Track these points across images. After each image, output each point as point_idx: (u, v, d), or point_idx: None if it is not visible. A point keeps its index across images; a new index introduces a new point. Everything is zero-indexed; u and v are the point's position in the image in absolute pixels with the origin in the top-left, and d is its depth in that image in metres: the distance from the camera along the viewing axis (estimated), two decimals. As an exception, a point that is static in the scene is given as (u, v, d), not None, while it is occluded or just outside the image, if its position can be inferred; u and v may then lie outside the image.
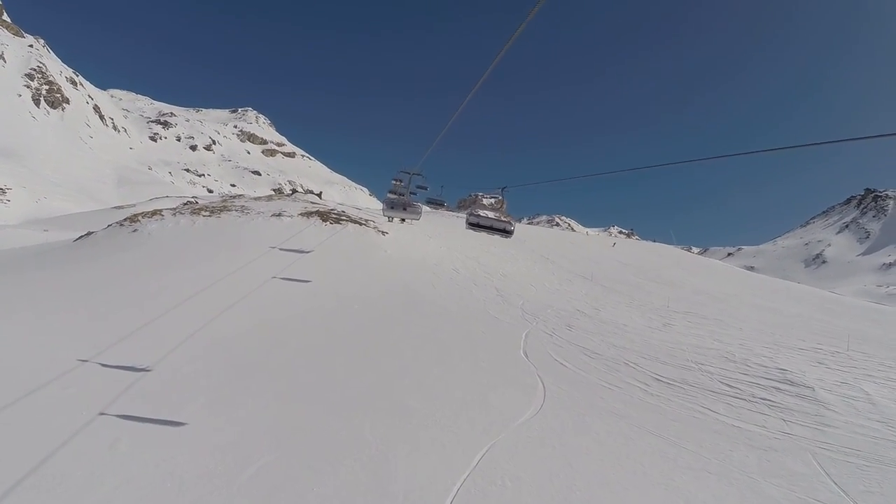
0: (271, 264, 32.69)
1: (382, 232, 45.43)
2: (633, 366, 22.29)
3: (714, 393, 19.82)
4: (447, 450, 13.56)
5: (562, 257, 53.69)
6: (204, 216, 42.99)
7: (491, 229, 23.28)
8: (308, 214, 46.12)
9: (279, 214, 44.92)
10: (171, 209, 46.17)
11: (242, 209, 46.20)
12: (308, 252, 36.79)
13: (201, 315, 23.02)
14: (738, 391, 20.06)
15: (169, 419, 13.89)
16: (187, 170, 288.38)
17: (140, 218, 42.30)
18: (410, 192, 30.94)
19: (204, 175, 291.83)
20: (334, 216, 47.20)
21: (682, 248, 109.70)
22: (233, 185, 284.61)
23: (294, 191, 69.28)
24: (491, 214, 24.37)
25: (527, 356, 22.50)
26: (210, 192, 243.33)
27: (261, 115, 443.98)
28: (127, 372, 16.64)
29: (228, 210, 45.26)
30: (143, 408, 14.30)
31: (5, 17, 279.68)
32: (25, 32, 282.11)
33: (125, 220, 42.99)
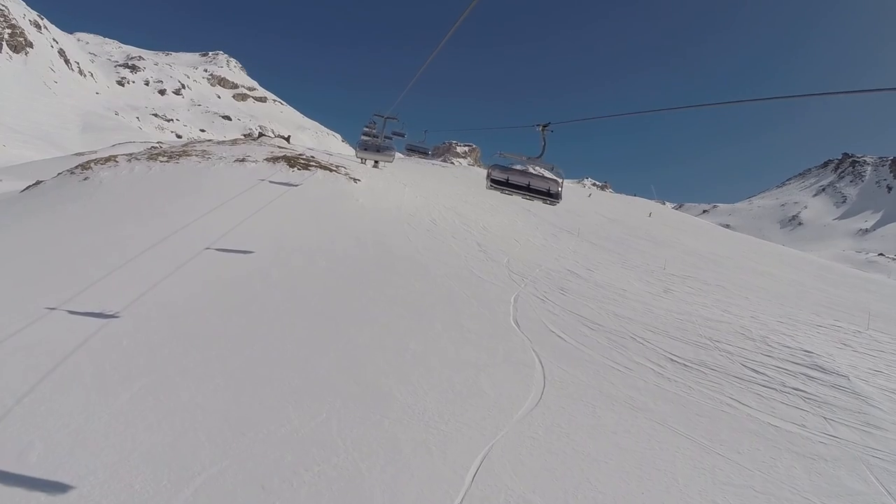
0: (232, 215, 29.75)
1: (354, 179, 42.38)
2: (641, 341, 19.45)
3: (739, 380, 17.05)
4: (434, 458, 10.98)
5: (545, 209, 50.69)
6: (161, 162, 39.65)
7: (528, 190, 15.10)
8: (274, 160, 42.84)
9: (243, 160, 41.61)
10: (126, 155, 42.67)
11: (203, 154, 42.76)
12: (273, 201, 33.71)
13: (148, 276, 20.56)
14: (766, 378, 17.33)
15: (92, 416, 11.39)
16: (155, 115, 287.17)
17: (92, 165, 39.10)
18: (385, 137, 30.99)
19: (173, 120, 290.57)
20: (303, 161, 44.04)
21: (658, 203, 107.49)
22: (202, 131, 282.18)
23: (261, 134, 65.59)
24: (530, 169, 15.75)
25: (518, 326, 19.64)
26: (179, 137, 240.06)
27: (232, 59, 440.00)
28: (52, 350, 14.13)
29: (188, 155, 41.82)
30: (64, 402, 11.88)
31: None
32: None
33: (76, 167, 39.99)
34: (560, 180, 16.16)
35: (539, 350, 17.35)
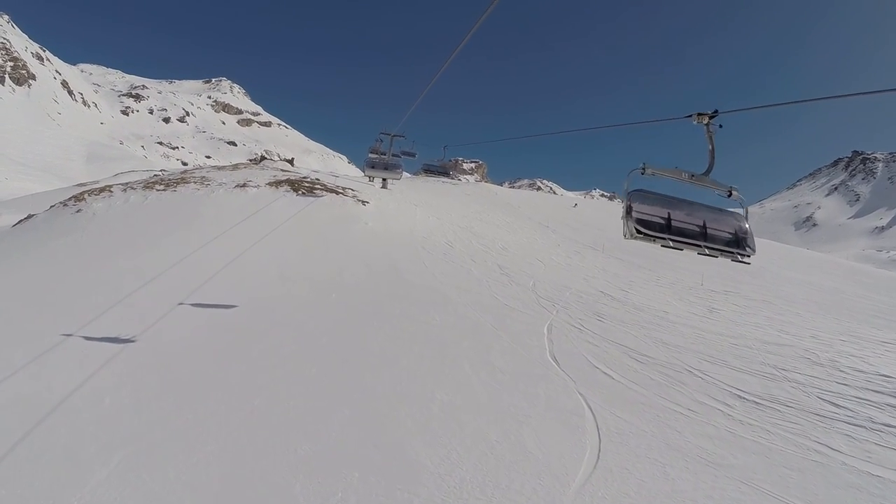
0: (232, 244, 28.04)
1: (363, 202, 39.91)
2: (700, 375, 16.92)
3: (820, 417, 14.43)
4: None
5: (562, 225, 48.78)
6: (158, 191, 37.60)
7: (705, 239, 9.98)
8: (277, 184, 40.66)
9: (244, 185, 39.40)
10: (121, 184, 40.52)
11: (202, 181, 40.57)
12: (277, 228, 31.69)
13: (140, 317, 19.07)
14: (850, 413, 14.67)
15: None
16: (160, 143, 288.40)
17: (86, 196, 37.11)
18: (394, 155, 30.81)
19: (178, 147, 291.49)
20: (307, 185, 41.78)
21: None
22: (208, 157, 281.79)
23: (263, 157, 63.47)
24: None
25: (557, 362, 17.14)
26: (185, 164, 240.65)
27: (235, 85, 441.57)
28: (23, 413, 12.47)
29: (186, 182, 39.72)
30: (26, 485, 9.87)
31: None
32: None
33: (69, 199, 37.90)
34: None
35: (586, 392, 14.91)
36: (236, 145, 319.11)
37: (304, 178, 45.61)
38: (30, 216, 39.24)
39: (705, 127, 9.62)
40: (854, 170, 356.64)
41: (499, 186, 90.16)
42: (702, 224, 10.07)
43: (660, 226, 9.84)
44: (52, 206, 38.21)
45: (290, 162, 62.60)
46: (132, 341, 16.97)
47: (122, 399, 13.24)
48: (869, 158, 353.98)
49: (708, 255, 10.11)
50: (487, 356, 17.18)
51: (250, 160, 59.92)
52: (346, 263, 27.44)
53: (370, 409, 13.18)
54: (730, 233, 10.31)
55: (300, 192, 39.00)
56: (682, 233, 9.92)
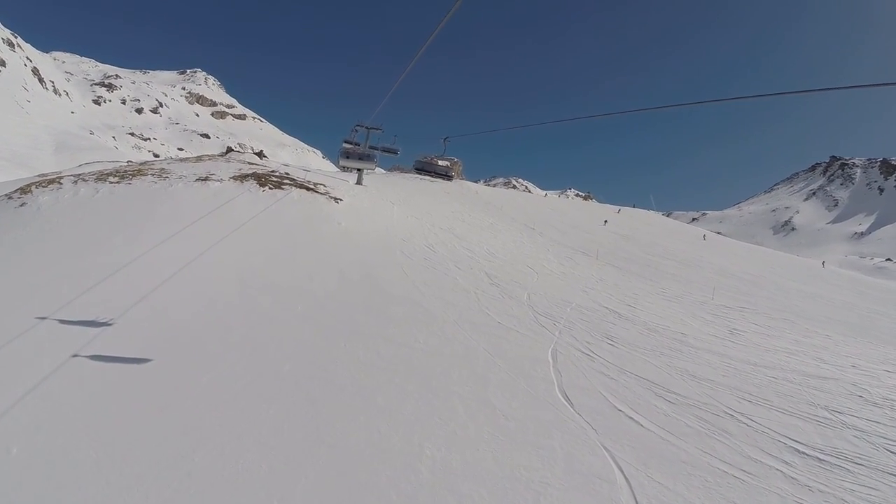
0: (187, 246, 24.84)
1: (335, 199, 36.57)
2: (743, 420, 14.07)
3: (898, 479, 11.60)
4: None
5: (548, 227, 46.13)
6: (111, 183, 34.05)
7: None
8: (242, 178, 37.25)
9: (206, 179, 35.99)
10: (73, 176, 37.01)
11: (161, 173, 37.15)
12: (239, 227, 28.54)
13: (68, 339, 15.80)
14: (934, 473, 11.86)
15: None
16: (132, 134, 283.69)
17: (33, 188, 33.47)
18: (371, 147, 32.47)
19: (150, 139, 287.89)
20: (275, 179, 38.32)
21: (656, 214, 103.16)
22: (180, 149, 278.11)
23: (229, 149, 59.88)
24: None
25: (570, 402, 14.19)
26: (156, 156, 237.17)
27: (210, 77, 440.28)
28: None
29: (143, 175, 36.25)
30: None
31: None
32: None
33: (15, 191, 34.19)
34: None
35: (612, 446, 11.93)
36: (209, 138, 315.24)
37: (272, 171, 42.41)
38: None
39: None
40: (832, 175, 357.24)
41: (479, 185, 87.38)
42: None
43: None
44: None
45: (259, 154, 59.23)
46: (57, 370, 13.99)
47: (28, 456, 10.48)
48: (847, 164, 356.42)
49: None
50: (484, 392, 14.23)
51: (222, 154, 56.44)
52: (316, 269, 24.49)
53: (341, 473, 10.33)
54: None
55: (267, 188, 35.75)
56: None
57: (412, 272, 25.69)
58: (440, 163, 31.09)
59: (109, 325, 16.72)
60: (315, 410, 12.55)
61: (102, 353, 14.96)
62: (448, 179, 21.23)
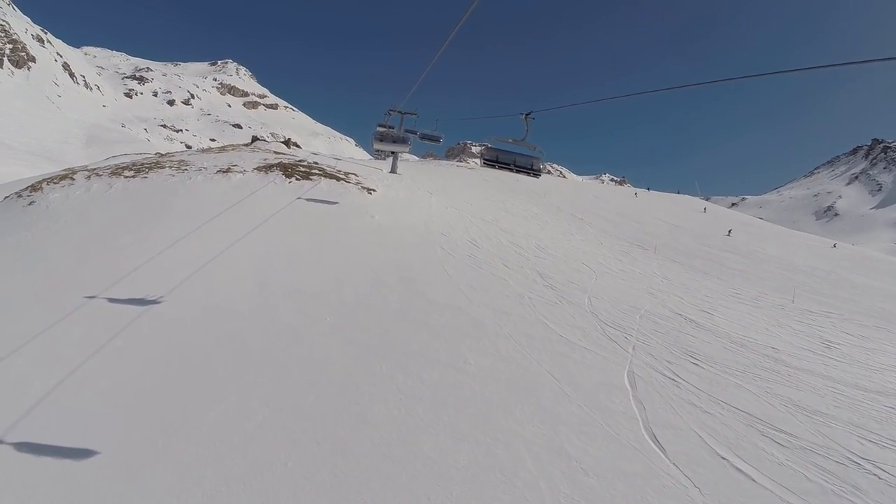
0: (203, 246, 22.17)
1: (368, 189, 33.84)
2: (871, 468, 11.51)
3: None
4: None
5: (594, 215, 43.33)
6: (126, 178, 31.59)
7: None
8: (267, 169, 34.58)
9: (227, 170, 33.37)
10: (87, 171, 34.49)
11: (180, 165, 34.64)
12: (262, 223, 25.67)
13: (68, 355, 13.74)
14: None
15: None
16: (164, 125, 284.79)
17: (44, 185, 31.28)
18: (406, 130, 30.88)
19: (182, 130, 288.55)
20: (302, 169, 35.72)
21: (702, 200, 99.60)
22: (212, 140, 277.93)
23: (255, 138, 57.15)
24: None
25: (660, 447, 11.38)
26: (188, 147, 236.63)
27: (241, 67, 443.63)
28: None
29: (161, 167, 33.76)
30: None
31: None
32: None
33: (26, 188, 32.11)
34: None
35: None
36: (241, 128, 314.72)
37: (299, 161, 39.80)
38: None
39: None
40: (875, 158, 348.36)
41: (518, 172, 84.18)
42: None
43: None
44: (5, 197, 32.68)
45: (287, 143, 56.47)
46: (53, 391, 12.18)
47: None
48: (890, 147, 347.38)
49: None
50: (555, 435, 11.42)
51: (246, 144, 53.91)
52: (347, 271, 21.57)
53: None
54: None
55: (293, 179, 33.07)
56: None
57: (455, 273, 22.74)
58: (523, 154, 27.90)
59: (104, 344, 14.26)
60: (345, 463, 9.97)
61: (90, 379, 12.74)
62: (536, 175, 18.15)
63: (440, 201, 36.46)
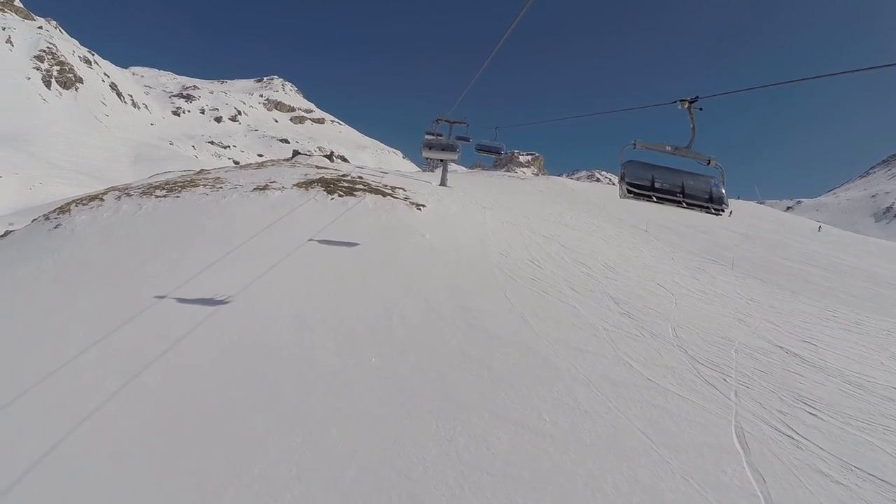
0: (234, 274, 19.96)
1: (417, 205, 31.36)
2: None
3: None
4: None
5: (660, 227, 40.55)
6: (157, 197, 29.86)
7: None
8: (307, 185, 32.54)
9: (265, 188, 31.44)
10: (117, 191, 32.83)
11: (215, 183, 32.94)
12: (300, 245, 23.56)
13: (74, 404, 12.15)
14: None
15: None
16: (212, 142, 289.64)
17: (72, 207, 29.75)
18: (457, 137, 31.62)
19: (229, 146, 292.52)
20: (346, 185, 33.47)
21: (757, 204, 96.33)
22: (260, 155, 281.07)
23: (296, 153, 55.33)
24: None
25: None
26: (236, 163, 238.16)
27: (287, 83, 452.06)
28: None
29: (195, 186, 32.00)
30: None
31: (17, 2, 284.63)
32: (36, 15, 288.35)
33: (55, 210, 30.52)
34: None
35: None
36: (289, 142, 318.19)
37: (342, 176, 37.64)
38: (7, 233, 32.69)
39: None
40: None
41: (573, 181, 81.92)
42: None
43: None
44: (34, 220, 31.19)
45: (329, 157, 54.50)
46: (55, 448, 10.58)
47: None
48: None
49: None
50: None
51: (286, 159, 52.16)
52: (395, 299, 19.14)
53: None
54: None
55: (336, 195, 30.93)
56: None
57: (518, 300, 20.04)
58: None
59: (114, 393, 12.47)
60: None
61: (92, 439, 10.97)
62: (718, 212, 13.60)
63: (495, 216, 33.85)
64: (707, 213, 12.16)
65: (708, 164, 12.07)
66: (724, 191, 12.28)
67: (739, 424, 12.25)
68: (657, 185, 11.89)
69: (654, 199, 11.96)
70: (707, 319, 20.09)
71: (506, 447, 10.87)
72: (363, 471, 10.00)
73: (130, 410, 11.89)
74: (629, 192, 12.00)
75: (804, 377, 15.39)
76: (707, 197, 12.09)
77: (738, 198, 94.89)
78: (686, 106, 11.39)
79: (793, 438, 11.80)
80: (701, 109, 11.40)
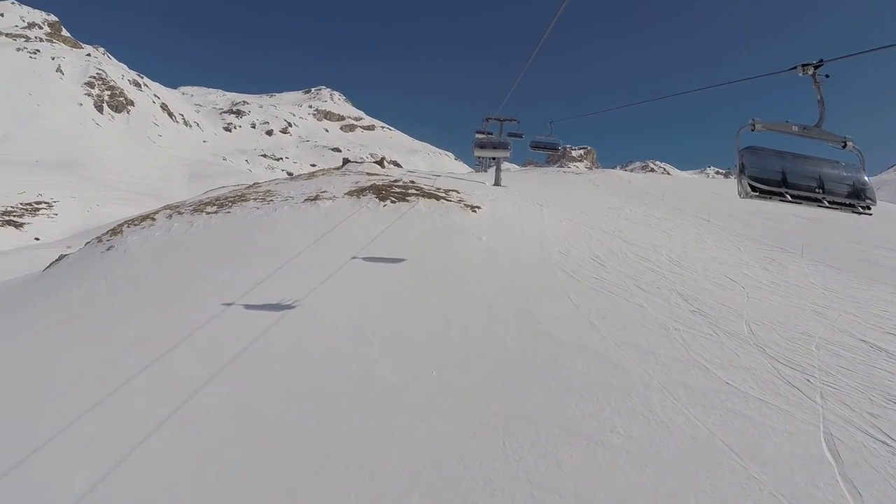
0: (286, 289, 19.64)
1: (472, 207, 30.65)
2: None
3: None
4: None
5: (721, 215, 39.25)
6: (208, 214, 30.06)
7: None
8: (359, 192, 32.12)
9: (315, 198, 31.15)
10: (169, 210, 33.12)
11: (265, 196, 32.89)
12: (354, 255, 23.16)
13: (122, 435, 11.88)
14: None
15: None
16: (264, 155, 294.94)
17: (124, 228, 30.19)
18: (509, 134, 31.51)
19: (282, 158, 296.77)
20: (398, 190, 32.96)
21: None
22: (313, 165, 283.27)
23: (346, 161, 55.12)
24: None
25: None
26: (289, 174, 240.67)
27: (335, 92, 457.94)
28: None
29: (245, 200, 32.05)
30: None
31: (64, 32, 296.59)
32: (84, 43, 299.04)
33: (107, 232, 31.07)
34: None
35: None
36: (340, 151, 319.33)
37: (393, 181, 37.18)
38: (61, 257, 32.93)
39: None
40: None
41: (628, 172, 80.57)
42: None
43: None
44: (87, 243, 31.82)
45: (380, 163, 54.15)
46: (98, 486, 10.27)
47: None
48: None
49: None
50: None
51: (337, 168, 52.04)
52: (454, 307, 18.50)
53: None
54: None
55: (388, 201, 30.51)
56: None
57: (583, 301, 19.11)
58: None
59: (166, 418, 12.29)
60: None
61: (144, 468, 10.79)
62: (866, 211, 11.79)
63: (553, 213, 33.10)
64: (854, 212, 9.90)
65: (844, 146, 9.91)
66: (868, 179, 9.93)
67: (828, 431, 11.27)
68: (789, 179, 9.58)
69: (789, 197, 9.58)
70: (782, 313, 18.93)
71: (578, 465, 10.20)
72: (426, 497, 9.54)
73: (182, 436, 11.66)
74: (753, 189, 9.67)
75: (892, 374, 14.21)
76: (851, 191, 9.77)
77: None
78: (810, 72, 9.23)
79: (887, 445, 10.79)
80: (828, 76, 9.20)
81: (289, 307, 18.11)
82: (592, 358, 14.57)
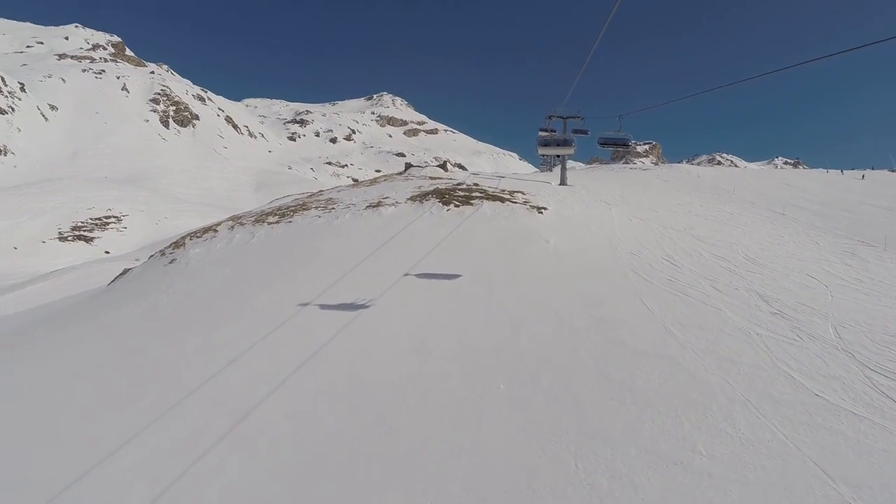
0: (349, 298, 19.43)
1: (538, 208, 30.00)
2: None
3: None
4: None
5: (795, 207, 37.94)
6: (269, 224, 29.99)
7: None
8: (422, 197, 31.76)
9: (377, 204, 30.84)
10: (231, 221, 33.32)
11: (327, 204, 32.68)
12: (417, 262, 22.67)
13: (179, 452, 11.82)
14: None
15: None
16: (329, 163, 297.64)
17: (186, 241, 30.45)
18: (575, 131, 33.37)
19: (347, 165, 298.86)
20: (461, 194, 32.43)
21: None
22: (378, 171, 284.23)
23: (409, 165, 54.91)
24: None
25: None
26: (355, 181, 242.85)
27: (397, 98, 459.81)
28: None
29: (306, 209, 31.98)
30: None
31: (128, 52, 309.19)
32: (147, 62, 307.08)
33: (170, 245, 31.42)
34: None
35: None
36: (404, 156, 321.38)
37: (457, 185, 36.76)
38: (125, 271, 32.95)
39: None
40: None
41: (696, 166, 79.01)
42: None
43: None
44: (150, 257, 32.51)
45: (443, 166, 53.74)
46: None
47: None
48: None
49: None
50: None
51: (399, 173, 51.81)
52: (522, 313, 17.85)
53: None
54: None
55: (452, 206, 30.00)
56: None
57: (657, 305, 18.17)
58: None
59: (223, 435, 12.11)
60: None
61: (200, 487, 10.60)
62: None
63: (621, 212, 32.25)
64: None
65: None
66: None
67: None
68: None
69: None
70: (870, 314, 17.63)
71: (657, 490, 9.47)
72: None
73: (240, 454, 11.47)
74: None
75: None
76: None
77: (873, 168, 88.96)
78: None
79: None
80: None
81: (350, 318, 17.66)
82: (669, 368, 13.74)
